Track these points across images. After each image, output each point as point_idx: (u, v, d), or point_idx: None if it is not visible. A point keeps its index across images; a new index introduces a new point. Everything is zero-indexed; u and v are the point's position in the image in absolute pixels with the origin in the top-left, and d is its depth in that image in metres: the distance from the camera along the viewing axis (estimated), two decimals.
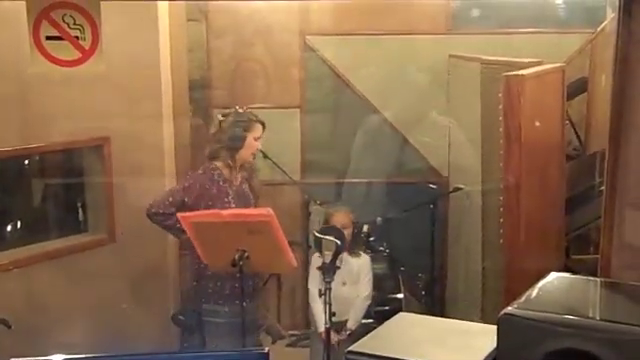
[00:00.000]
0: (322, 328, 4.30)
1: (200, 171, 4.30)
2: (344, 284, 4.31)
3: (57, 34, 2.85)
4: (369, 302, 4.57)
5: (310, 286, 4.50)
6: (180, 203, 4.15)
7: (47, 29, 2.81)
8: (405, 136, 5.76)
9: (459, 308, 5.36)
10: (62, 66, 2.86)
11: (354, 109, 5.76)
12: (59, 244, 4.63)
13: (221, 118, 4.33)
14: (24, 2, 2.79)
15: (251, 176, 4.39)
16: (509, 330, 2.41)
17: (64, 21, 2.84)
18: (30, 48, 2.81)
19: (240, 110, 4.34)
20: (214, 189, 4.19)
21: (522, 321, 2.39)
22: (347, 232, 4.33)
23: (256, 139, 4.29)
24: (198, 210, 4.14)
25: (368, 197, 5.64)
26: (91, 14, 2.85)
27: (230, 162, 4.24)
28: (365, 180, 5.74)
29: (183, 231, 4.13)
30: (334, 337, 4.37)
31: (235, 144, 4.23)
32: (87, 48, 2.90)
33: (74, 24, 2.86)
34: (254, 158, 4.38)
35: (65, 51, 2.86)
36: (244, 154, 4.27)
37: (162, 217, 4.17)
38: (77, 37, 2.88)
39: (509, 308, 2.44)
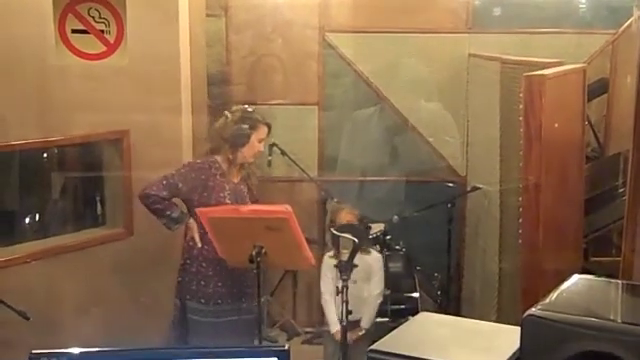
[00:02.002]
0: (335, 328, 4.36)
1: (199, 161, 4.26)
2: (355, 282, 4.28)
3: (83, 27, 2.84)
4: (381, 300, 4.56)
5: (322, 286, 4.51)
6: (174, 187, 4.10)
7: (73, 22, 2.81)
8: (423, 134, 5.74)
9: (475, 308, 5.35)
10: (87, 59, 2.86)
11: (372, 107, 5.75)
12: (77, 237, 4.65)
13: (228, 115, 4.27)
14: None
15: (250, 177, 4.32)
16: (533, 331, 2.40)
17: (90, 15, 2.84)
18: (55, 41, 2.81)
19: (249, 109, 4.29)
20: (210, 181, 4.14)
21: (546, 323, 2.38)
22: None
23: (260, 140, 4.21)
24: (192, 199, 4.13)
25: (385, 195, 5.63)
26: (116, 8, 2.85)
27: (230, 157, 4.17)
28: (383, 178, 5.73)
29: (172, 220, 4.12)
30: (348, 336, 4.38)
31: (238, 141, 4.16)
32: (112, 42, 2.90)
33: (99, 18, 2.86)
34: (254, 159, 4.32)
35: (90, 44, 2.86)
36: (246, 153, 4.19)
37: (153, 199, 4.09)
38: (102, 31, 2.88)
39: (533, 309, 2.43)
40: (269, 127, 4.27)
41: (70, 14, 2.79)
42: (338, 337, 4.41)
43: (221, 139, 4.21)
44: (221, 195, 4.14)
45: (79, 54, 2.84)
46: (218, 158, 4.20)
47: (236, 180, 4.24)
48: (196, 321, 4.19)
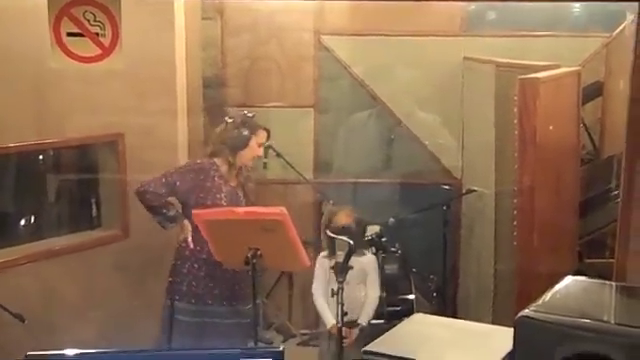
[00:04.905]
0: (330, 323, 4.33)
1: (199, 161, 4.35)
2: (348, 283, 4.28)
3: (78, 30, 2.86)
4: (377, 301, 4.56)
5: (314, 286, 4.51)
6: (172, 185, 4.17)
7: (68, 25, 2.82)
8: (419, 137, 5.75)
9: (470, 310, 5.36)
10: (82, 62, 2.86)
11: (367, 109, 5.76)
12: (72, 239, 4.66)
13: (229, 120, 4.37)
14: None
15: (247, 182, 4.39)
16: (526, 333, 2.41)
17: (85, 18, 2.85)
18: (51, 44, 2.82)
19: (249, 115, 4.37)
20: (208, 182, 4.21)
21: (539, 324, 2.39)
22: None
23: (259, 145, 4.33)
24: (189, 199, 4.18)
25: (381, 197, 5.63)
26: (111, 11, 2.86)
27: (230, 160, 4.26)
28: (378, 181, 5.73)
29: (167, 218, 4.18)
30: (345, 333, 4.39)
31: (238, 144, 4.26)
32: (107, 45, 2.91)
33: (94, 21, 2.87)
34: (252, 163, 4.41)
35: (85, 47, 2.87)
36: (245, 156, 4.29)
37: (150, 195, 4.16)
38: (97, 34, 2.89)
39: (526, 311, 2.44)
40: (268, 132, 4.37)
41: (65, 17, 2.80)
42: (334, 331, 4.42)
43: (221, 143, 4.29)
44: (218, 197, 4.20)
45: (74, 57, 2.84)
46: (217, 161, 4.28)
47: (233, 184, 4.31)
48: (184, 322, 4.22)
